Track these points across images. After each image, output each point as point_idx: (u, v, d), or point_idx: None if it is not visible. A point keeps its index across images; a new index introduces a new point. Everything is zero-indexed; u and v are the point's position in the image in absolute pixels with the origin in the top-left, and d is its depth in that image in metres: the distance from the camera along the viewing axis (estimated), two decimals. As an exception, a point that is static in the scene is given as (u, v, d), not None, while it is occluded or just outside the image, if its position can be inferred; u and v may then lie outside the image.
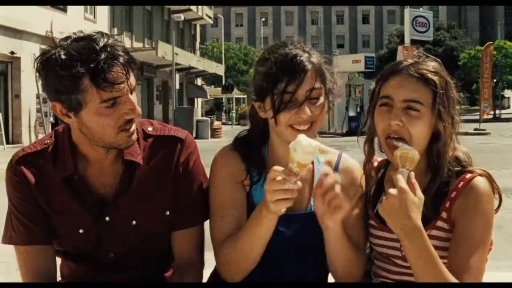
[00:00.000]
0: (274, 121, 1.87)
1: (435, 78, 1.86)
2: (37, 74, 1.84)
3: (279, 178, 1.68)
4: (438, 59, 1.96)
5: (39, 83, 19.65)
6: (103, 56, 1.75)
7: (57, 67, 1.75)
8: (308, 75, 1.85)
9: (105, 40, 1.78)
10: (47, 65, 1.78)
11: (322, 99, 1.89)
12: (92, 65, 1.74)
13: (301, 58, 1.85)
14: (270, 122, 1.93)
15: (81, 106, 1.80)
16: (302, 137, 1.70)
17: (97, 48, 1.76)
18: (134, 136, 1.90)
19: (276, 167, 1.70)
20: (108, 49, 1.77)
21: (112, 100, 1.79)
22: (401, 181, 1.69)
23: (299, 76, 1.83)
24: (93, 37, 1.79)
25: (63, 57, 1.75)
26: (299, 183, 1.70)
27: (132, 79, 1.83)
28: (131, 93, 1.83)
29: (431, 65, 1.90)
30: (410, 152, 1.73)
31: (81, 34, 1.81)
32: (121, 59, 1.78)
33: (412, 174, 1.71)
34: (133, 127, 1.88)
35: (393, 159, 1.79)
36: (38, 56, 1.83)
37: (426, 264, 1.73)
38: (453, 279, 1.74)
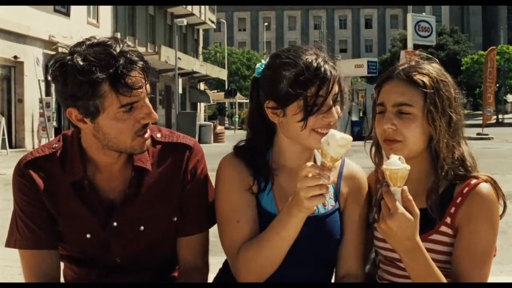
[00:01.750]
0: (303, 124, 1.87)
1: (424, 79, 1.86)
2: (51, 80, 1.84)
3: (311, 174, 1.68)
4: (436, 60, 1.97)
5: (43, 87, 19.84)
6: (121, 61, 1.76)
7: (76, 73, 1.75)
8: (335, 80, 1.90)
9: (120, 45, 1.80)
10: (65, 72, 1.78)
11: (339, 103, 1.94)
12: (111, 70, 1.75)
13: (328, 64, 1.91)
14: (287, 127, 1.92)
15: (99, 112, 1.80)
16: (335, 131, 1.69)
17: (114, 53, 1.77)
18: (148, 142, 1.91)
19: (308, 164, 1.69)
20: (126, 54, 1.78)
21: (130, 105, 1.80)
22: (396, 204, 1.67)
23: (329, 80, 1.88)
24: (107, 43, 1.79)
25: (81, 63, 1.75)
26: (332, 178, 1.70)
27: (148, 84, 1.84)
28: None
29: (423, 67, 1.90)
30: (400, 171, 1.66)
31: (94, 40, 1.82)
32: (139, 64, 1.80)
33: (406, 189, 1.68)
34: (148, 132, 1.89)
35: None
36: (53, 63, 1.82)
37: (427, 278, 1.76)
38: None
